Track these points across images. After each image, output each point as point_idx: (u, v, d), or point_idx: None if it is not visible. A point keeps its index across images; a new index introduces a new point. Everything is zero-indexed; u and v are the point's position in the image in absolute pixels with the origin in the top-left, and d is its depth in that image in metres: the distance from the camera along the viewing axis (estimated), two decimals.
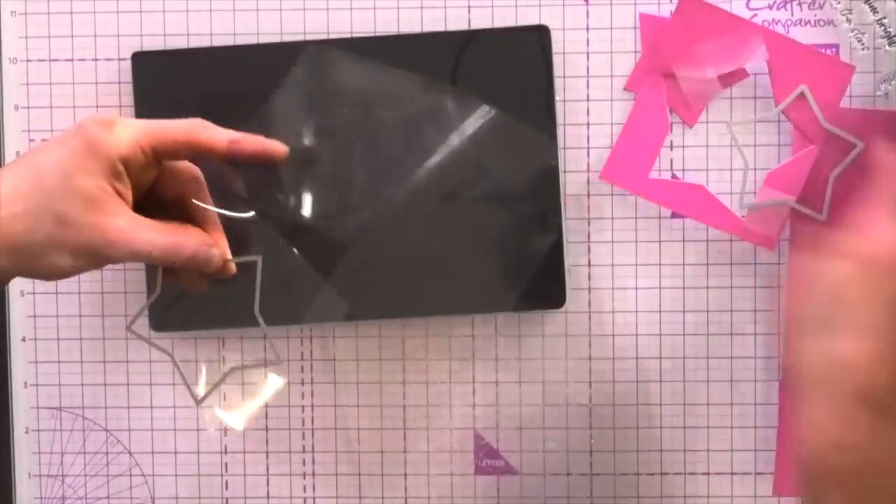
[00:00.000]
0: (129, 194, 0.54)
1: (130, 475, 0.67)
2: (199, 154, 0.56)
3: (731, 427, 0.65)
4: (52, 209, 0.51)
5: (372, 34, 0.64)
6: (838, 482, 0.48)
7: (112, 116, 0.53)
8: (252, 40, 0.65)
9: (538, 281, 0.62)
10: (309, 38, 0.64)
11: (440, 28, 0.64)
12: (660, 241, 0.65)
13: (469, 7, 0.64)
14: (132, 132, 0.53)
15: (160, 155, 0.55)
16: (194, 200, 0.57)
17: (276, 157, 0.59)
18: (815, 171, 0.63)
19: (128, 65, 0.65)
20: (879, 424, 0.48)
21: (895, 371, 0.48)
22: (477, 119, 0.62)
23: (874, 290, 0.49)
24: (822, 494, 0.49)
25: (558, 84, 0.64)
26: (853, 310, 0.49)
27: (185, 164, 0.57)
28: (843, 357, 0.48)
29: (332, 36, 0.64)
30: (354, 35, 0.64)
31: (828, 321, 0.49)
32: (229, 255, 0.57)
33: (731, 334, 0.65)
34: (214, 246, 0.56)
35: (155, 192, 0.57)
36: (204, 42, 0.65)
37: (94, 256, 0.52)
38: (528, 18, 0.64)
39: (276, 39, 0.64)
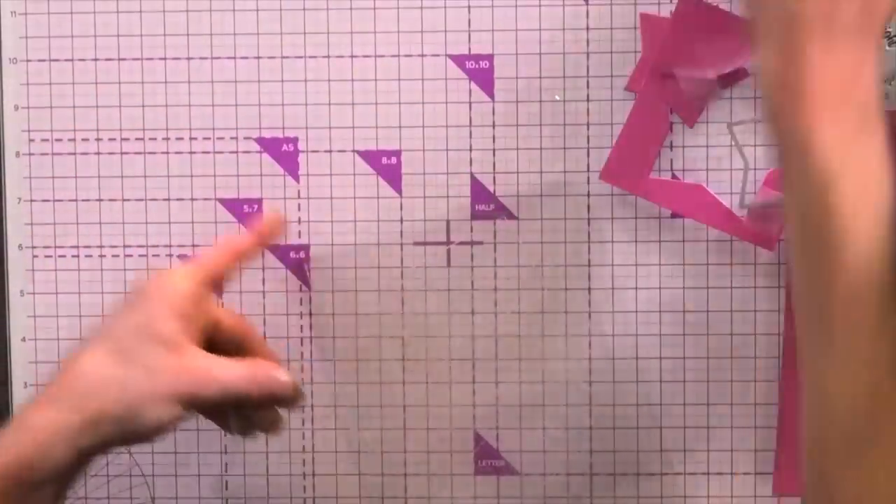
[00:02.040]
0: (198, 337, 0.55)
1: (130, 475, 0.67)
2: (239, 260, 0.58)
3: (731, 427, 0.65)
4: (138, 363, 0.52)
5: (372, 32, 0.64)
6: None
7: (162, 271, 0.57)
8: (252, 41, 0.65)
9: None
10: (308, 37, 0.64)
11: (440, 28, 0.64)
12: (660, 241, 0.65)
13: (469, 7, 0.64)
14: (187, 271, 0.56)
15: (212, 280, 0.57)
16: (250, 338, 0.59)
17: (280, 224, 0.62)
18: None
19: (127, 65, 0.65)
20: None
21: None
22: None
23: None
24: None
25: (558, 84, 0.64)
26: None
27: (237, 317, 0.59)
28: None
29: (332, 35, 0.64)
30: (354, 33, 0.64)
31: None
32: (297, 384, 0.57)
33: (731, 334, 0.64)
34: (285, 373, 0.56)
35: (212, 343, 0.57)
36: (204, 42, 0.65)
37: (187, 400, 0.53)
38: (529, 18, 0.64)
39: (276, 39, 0.64)
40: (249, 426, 0.58)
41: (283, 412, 0.58)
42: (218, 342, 0.57)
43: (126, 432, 0.53)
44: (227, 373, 0.54)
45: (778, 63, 0.47)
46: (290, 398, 0.56)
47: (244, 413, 0.57)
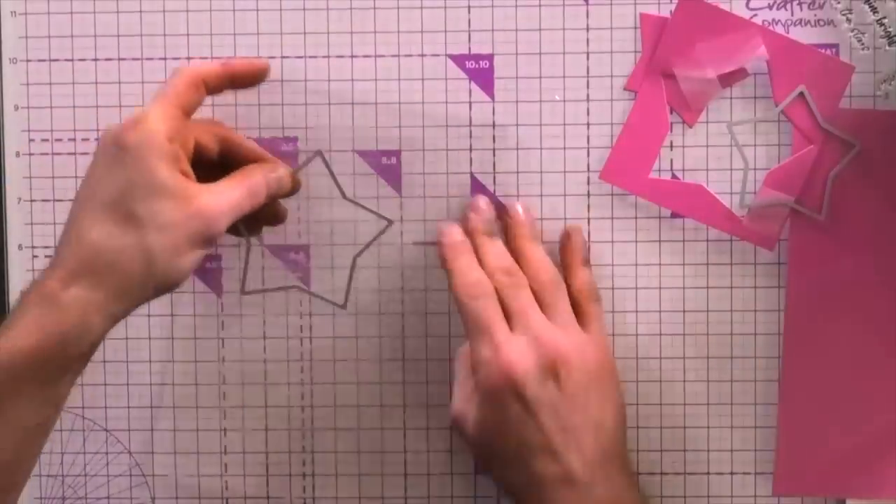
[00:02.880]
0: (190, 171, 0.56)
1: (130, 475, 0.67)
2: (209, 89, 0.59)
3: (731, 427, 0.65)
4: (149, 223, 0.53)
5: (372, 32, 0.64)
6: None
7: (132, 114, 0.55)
8: (252, 41, 0.65)
9: None
10: (308, 37, 0.64)
11: (440, 28, 0.64)
12: (660, 241, 0.65)
13: (469, 7, 0.64)
14: (159, 110, 0.55)
15: (188, 110, 0.57)
16: (231, 139, 0.60)
17: (262, 71, 0.61)
18: (814, 170, 0.63)
19: (127, 65, 0.65)
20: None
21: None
22: None
23: None
24: None
25: (558, 84, 0.64)
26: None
27: (212, 126, 0.60)
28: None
29: (332, 33, 0.64)
30: (354, 33, 0.64)
31: None
32: (290, 170, 0.61)
33: (731, 334, 0.64)
34: (277, 167, 0.60)
35: (198, 161, 0.58)
36: (204, 42, 0.65)
37: (205, 241, 0.55)
38: (529, 18, 0.64)
39: (276, 39, 0.64)
40: (256, 225, 0.62)
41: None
42: (205, 157, 0.58)
43: (157, 290, 0.55)
44: (232, 197, 0.56)
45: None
46: (290, 190, 0.61)
47: (251, 215, 0.58)
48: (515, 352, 0.56)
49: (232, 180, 0.57)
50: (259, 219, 0.61)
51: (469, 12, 0.64)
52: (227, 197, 0.56)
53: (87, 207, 0.54)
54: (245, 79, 0.61)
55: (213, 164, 0.59)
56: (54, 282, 0.53)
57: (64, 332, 0.52)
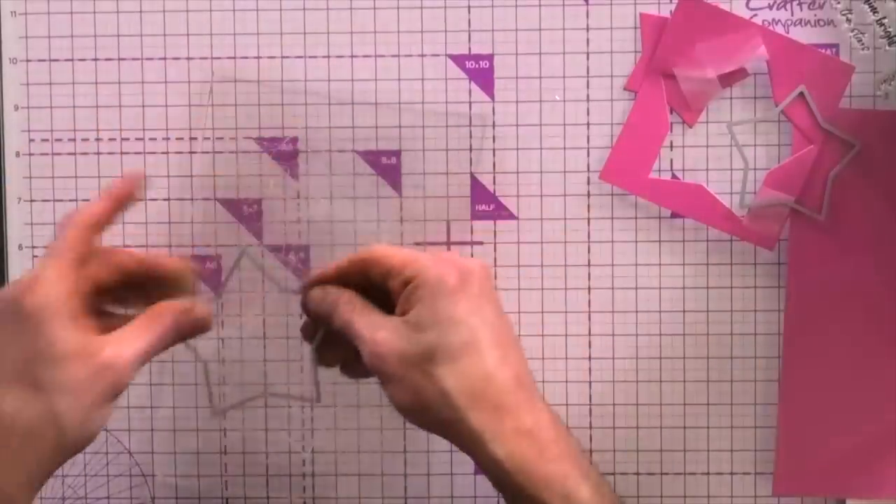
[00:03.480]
0: (91, 324, 0.54)
1: (130, 475, 0.67)
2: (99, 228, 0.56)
3: (731, 427, 0.65)
4: (57, 390, 0.51)
5: (372, 32, 0.64)
6: None
7: (28, 279, 0.52)
8: (252, 41, 0.65)
9: None
10: (308, 37, 0.64)
11: (440, 28, 0.64)
12: (660, 241, 0.65)
13: (469, 7, 0.64)
14: (53, 271, 0.53)
15: (82, 259, 0.54)
16: (149, 262, 0.58)
17: (137, 181, 0.58)
18: (814, 170, 0.63)
19: (127, 65, 0.65)
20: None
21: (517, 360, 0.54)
22: None
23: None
24: None
25: (558, 84, 0.64)
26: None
27: (108, 254, 0.57)
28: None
29: (332, 34, 0.64)
30: (354, 33, 0.64)
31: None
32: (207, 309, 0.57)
33: (731, 334, 0.64)
34: (191, 307, 0.56)
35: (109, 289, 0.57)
36: (204, 42, 0.65)
37: (113, 396, 0.53)
38: (529, 18, 0.64)
39: (275, 39, 0.65)
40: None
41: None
42: (113, 287, 0.56)
43: (68, 455, 0.53)
44: (138, 348, 0.53)
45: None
46: (205, 327, 0.57)
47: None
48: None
49: (138, 326, 0.54)
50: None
51: (469, 12, 0.64)
52: (132, 347, 0.53)
53: None
54: (129, 198, 0.57)
55: (132, 283, 0.57)
56: None
57: None
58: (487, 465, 0.53)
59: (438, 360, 0.52)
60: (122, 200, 0.57)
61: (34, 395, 0.51)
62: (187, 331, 0.56)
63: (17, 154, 0.66)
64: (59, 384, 0.51)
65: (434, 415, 0.53)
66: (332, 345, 0.58)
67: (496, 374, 0.53)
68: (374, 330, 0.54)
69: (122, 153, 0.65)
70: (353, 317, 0.55)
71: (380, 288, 0.56)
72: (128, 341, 0.53)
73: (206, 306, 0.57)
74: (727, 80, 0.63)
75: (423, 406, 0.53)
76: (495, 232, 0.65)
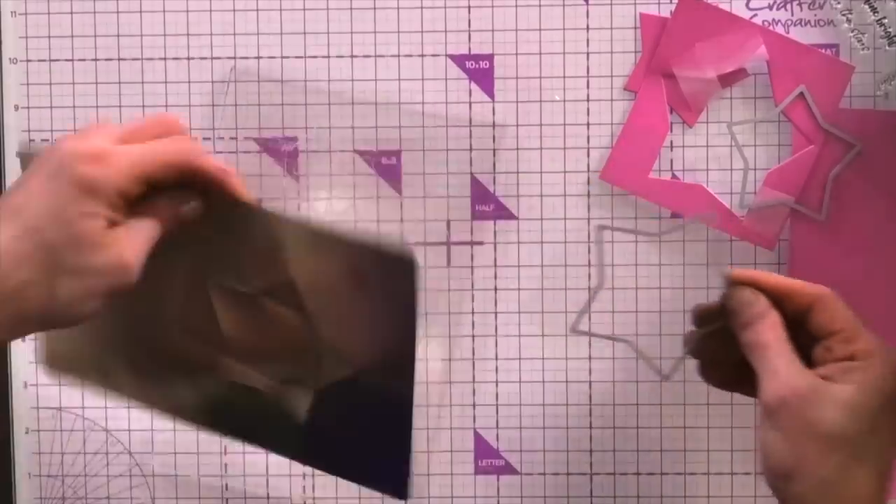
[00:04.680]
0: (123, 219, 0.51)
1: (130, 475, 0.67)
2: (187, 181, 0.52)
3: (732, 427, 0.65)
4: (64, 268, 0.48)
5: (372, 32, 0.64)
6: None
7: (100, 146, 0.49)
8: (252, 41, 0.65)
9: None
10: (308, 37, 0.64)
11: (440, 28, 0.64)
12: (660, 241, 0.65)
13: (469, 7, 0.64)
14: (126, 163, 0.49)
15: (153, 182, 0.51)
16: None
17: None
18: (814, 171, 0.63)
19: (127, 65, 0.65)
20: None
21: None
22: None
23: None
24: None
25: (558, 84, 0.64)
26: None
27: (174, 152, 0.52)
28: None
29: (332, 33, 0.64)
30: (354, 33, 0.64)
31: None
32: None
33: None
34: (186, 195, 0.52)
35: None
36: (204, 42, 0.65)
37: (112, 294, 0.50)
38: (529, 18, 0.64)
39: (275, 39, 0.65)
40: None
41: None
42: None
43: (45, 327, 0.51)
44: (145, 239, 0.50)
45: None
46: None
47: None
48: None
49: (148, 225, 0.51)
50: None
51: (469, 12, 0.64)
52: (141, 240, 0.50)
53: (9, 218, 0.49)
54: (218, 191, 0.53)
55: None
56: None
57: None
58: None
59: (849, 459, 0.49)
60: (225, 187, 0.52)
61: (38, 261, 0.48)
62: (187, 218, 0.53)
63: (18, 155, 0.66)
64: (67, 259, 0.48)
65: (794, 486, 0.49)
66: (712, 342, 0.55)
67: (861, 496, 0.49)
68: (791, 375, 0.50)
69: None
70: (773, 344, 0.51)
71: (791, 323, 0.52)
72: (139, 244, 0.50)
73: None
74: (727, 80, 0.63)
75: (789, 470, 0.49)
76: (495, 232, 0.65)
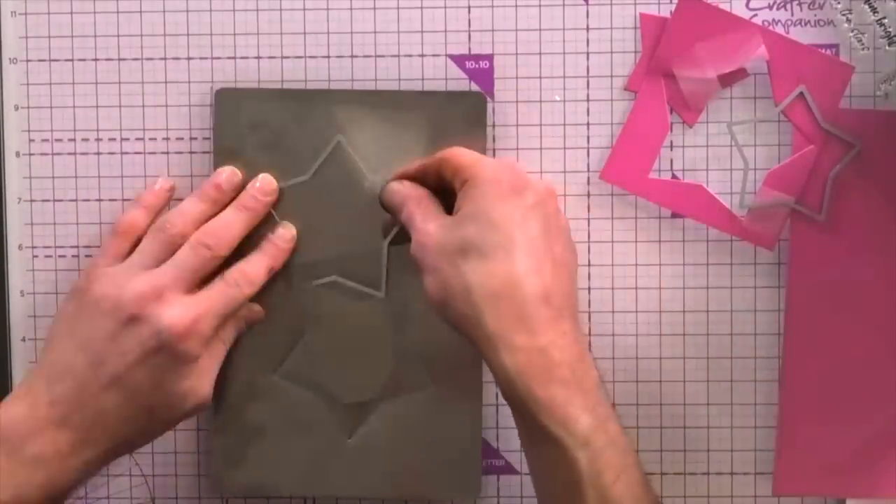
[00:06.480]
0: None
1: (130, 475, 0.67)
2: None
3: (732, 427, 0.65)
4: (159, 419, 0.60)
5: (372, 32, 0.64)
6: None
7: (188, 316, 0.58)
8: (252, 41, 0.65)
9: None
10: (308, 37, 0.64)
11: (440, 28, 0.64)
12: (660, 241, 0.65)
13: (469, 7, 0.64)
14: (208, 329, 0.59)
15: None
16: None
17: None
18: (814, 171, 0.63)
19: (127, 65, 0.65)
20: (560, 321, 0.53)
21: (553, 278, 0.54)
22: None
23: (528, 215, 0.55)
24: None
25: (558, 84, 0.64)
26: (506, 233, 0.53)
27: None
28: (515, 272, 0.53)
29: (332, 33, 0.64)
30: (354, 33, 0.64)
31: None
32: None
33: (731, 334, 0.65)
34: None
35: None
36: (204, 42, 0.65)
37: (197, 412, 0.62)
38: (529, 18, 0.64)
39: (276, 39, 0.65)
40: None
41: None
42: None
43: (140, 445, 0.62)
44: (216, 370, 0.62)
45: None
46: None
47: None
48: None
49: (216, 349, 0.61)
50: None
51: (469, 12, 0.64)
52: (214, 366, 0.61)
53: (96, 374, 0.58)
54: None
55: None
56: (37, 432, 0.57)
57: (40, 485, 0.57)
58: (496, 371, 0.52)
59: (469, 256, 0.53)
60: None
61: (135, 402, 0.58)
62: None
63: (17, 154, 0.66)
64: (164, 418, 0.60)
65: (456, 309, 0.53)
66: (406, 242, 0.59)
67: (522, 284, 0.52)
68: (427, 222, 0.56)
69: (122, 153, 0.65)
70: (415, 210, 0.57)
71: (454, 191, 0.57)
72: (212, 369, 0.61)
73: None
74: (727, 80, 0.63)
75: (448, 298, 0.53)
76: None
